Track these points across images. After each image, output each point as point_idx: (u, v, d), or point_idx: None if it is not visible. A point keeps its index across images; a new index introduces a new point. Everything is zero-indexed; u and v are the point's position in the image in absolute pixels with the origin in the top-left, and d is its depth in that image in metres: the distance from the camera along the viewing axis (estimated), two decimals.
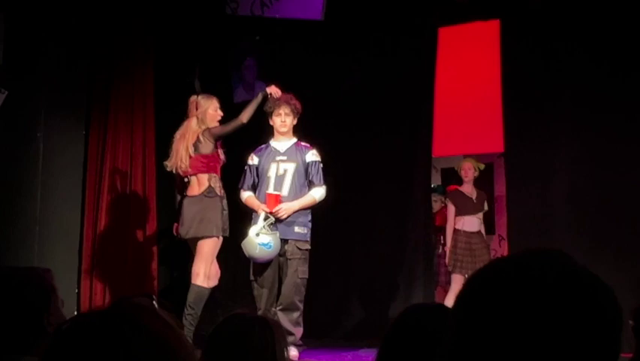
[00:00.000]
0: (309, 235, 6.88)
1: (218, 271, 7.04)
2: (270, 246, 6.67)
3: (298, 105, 6.97)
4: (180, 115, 8.74)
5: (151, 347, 1.31)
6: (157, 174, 8.34)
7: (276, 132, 7.02)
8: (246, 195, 7.04)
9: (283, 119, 6.93)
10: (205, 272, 6.89)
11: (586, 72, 7.41)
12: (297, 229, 6.82)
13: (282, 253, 6.78)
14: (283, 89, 7.05)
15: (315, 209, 6.96)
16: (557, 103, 7.52)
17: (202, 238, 6.87)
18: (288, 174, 6.91)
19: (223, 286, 7.65)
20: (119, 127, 8.17)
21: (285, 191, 6.86)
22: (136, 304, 1.41)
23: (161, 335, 1.33)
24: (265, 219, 6.72)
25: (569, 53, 7.43)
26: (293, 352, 6.46)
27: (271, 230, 6.70)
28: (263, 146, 7.10)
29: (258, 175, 7.02)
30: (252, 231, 6.72)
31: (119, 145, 8.17)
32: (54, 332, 1.36)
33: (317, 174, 6.92)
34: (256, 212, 6.85)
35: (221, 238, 6.91)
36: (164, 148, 8.50)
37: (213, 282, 6.98)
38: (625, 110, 7.26)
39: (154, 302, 1.63)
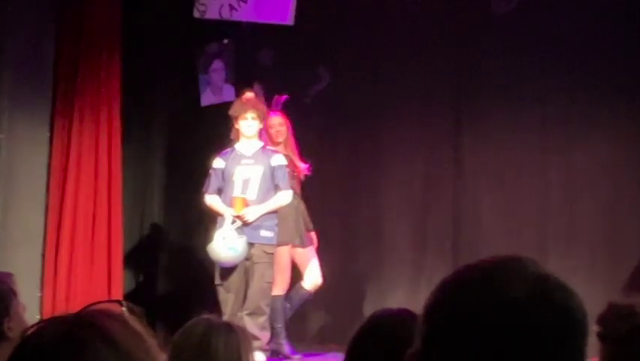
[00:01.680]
0: (275, 238, 6.88)
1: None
2: (237, 250, 6.66)
3: (264, 109, 6.98)
4: (147, 117, 8.74)
5: (115, 356, 1.29)
6: (123, 177, 8.31)
7: (241, 136, 6.99)
8: (211, 199, 7.00)
9: (249, 123, 6.91)
10: (275, 281, 6.98)
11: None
12: (263, 232, 6.80)
13: (248, 257, 6.76)
14: (249, 90, 7.11)
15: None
16: None
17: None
18: (255, 177, 6.89)
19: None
20: (84, 129, 8.10)
21: (251, 195, 6.85)
22: (103, 311, 1.38)
23: (126, 346, 1.30)
24: (232, 222, 6.71)
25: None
26: (259, 357, 6.45)
27: (238, 234, 6.69)
28: (228, 149, 7.06)
29: (223, 179, 6.98)
30: (219, 234, 6.70)
31: (84, 147, 8.09)
32: (20, 338, 1.37)
33: (283, 178, 6.91)
34: (221, 216, 6.83)
35: (282, 247, 7.07)
36: (130, 151, 8.49)
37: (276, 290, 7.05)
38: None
39: (124, 309, 1.61)
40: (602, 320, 3.04)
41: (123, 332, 1.32)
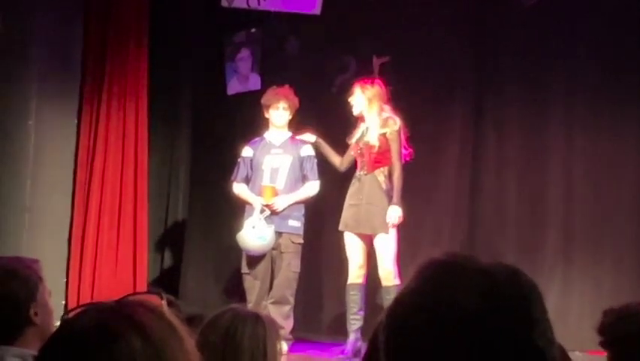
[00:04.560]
0: (302, 229, 6.88)
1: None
2: (266, 239, 6.70)
3: (296, 101, 6.97)
4: (173, 105, 8.75)
5: (147, 349, 1.28)
6: (149, 164, 8.34)
7: (271, 125, 7.01)
8: (239, 188, 7.03)
9: (283, 114, 6.92)
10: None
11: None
12: (291, 222, 6.83)
13: (275, 247, 6.78)
14: (280, 83, 7.05)
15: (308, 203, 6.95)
16: None
17: None
18: (283, 167, 6.92)
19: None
20: (112, 115, 8.13)
21: (279, 184, 6.87)
22: (141, 302, 1.39)
23: (160, 340, 1.31)
24: (261, 211, 6.72)
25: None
26: (283, 346, 6.44)
27: (267, 223, 6.70)
28: (257, 138, 7.09)
29: (252, 168, 7.01)
30: (248, 223, 6.72)
31: (111, 133, 8.13)
32: (61, 321, 1.41)
33: (312, 169, 6.93)
34: (250, 205, 6.85)
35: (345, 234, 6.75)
36: (156, 138, 8.51)
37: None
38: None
39: (163, 301, 1.60)
40: (601, 328, 3.03)
41: (158, 326, 1.33)
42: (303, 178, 6.93)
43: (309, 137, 6.97)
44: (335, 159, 6.92)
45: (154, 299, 1.62)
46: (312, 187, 6.93)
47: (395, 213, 6.50)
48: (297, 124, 7.10)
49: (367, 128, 6.66)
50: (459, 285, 1.24)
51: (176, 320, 1.38)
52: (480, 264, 1.28)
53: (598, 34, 7.37)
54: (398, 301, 1.30)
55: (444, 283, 1.26)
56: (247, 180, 7.02)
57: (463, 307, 1.22)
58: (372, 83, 6.73)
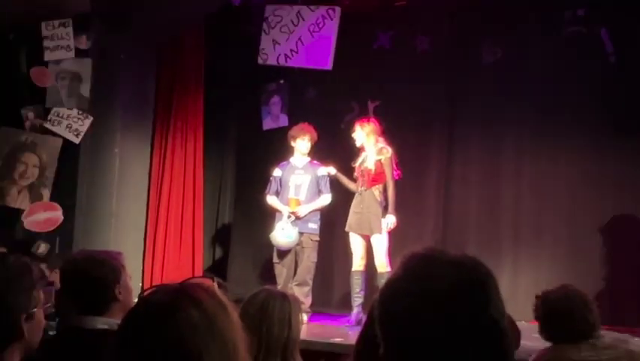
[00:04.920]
0: (318, 229, 6.86)
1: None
2: (292, 237, 6.70)
3: (315, 134, 6.95)
4: (222, 138, 8.72)
5: (203, 320, 1.27)
6: (204, 184, 8.32)
7: (296, 152, 6.98)
8: (271, 200, 7.01)
9: (306, 144, 6.90)
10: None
11: None
12: (310, 225, 6.81)
13: (298, 243, 6.77)
14: (303, 121, 7.05)
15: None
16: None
17: None
18: (304, 184, 6.90)
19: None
20: (176, 146, 8.13)
21: (302, 196, 6.85)
22: (199, 284, 1.37)
23: (213, 313, 1.30)
24: (288, 217, 6.74)
25: None
26: (303, 317, 6.41)
27: (292, 226, 6.71)
28: (285, 162, 7.07)
29: (280, 184, 6.98)
30: (279, 226, 6.75)
31: (176, 158, 8.13)
32: (138, 298, 1.41)
33: (325, 185, 6.90)
34: (280, 212, 6.85)
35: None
36: (209, 164, 8.50)
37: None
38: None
39: (214, 283, 1.59)
40: (534, 308, 3.11)
41: (211, 302, 1.31)
42: (319, 192, 6.91)
43: (331, 170, 6.90)
44: (352, 186, 6.74)
45: (208, 282, 1.61)
46: (325, 199, 6.91)
47: (391, 220, 6.48)
48: (315, 152, 7.07)
49: (366, 156, 6.64)
50: (434, 273, 1.24)
51: (225, 297, 1.37)
52: (450, 256, 1.28)
53: (542, 85, 7.32)
54: (388, 285, 1.29)
55: (423, 271, 1.25)
56: (277, 194, 6.99)
57: (437, 290, 1.21)
58: (369, 121, 6.71)
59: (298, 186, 6.89)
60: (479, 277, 1.26)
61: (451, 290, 1.22)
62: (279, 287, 6.43)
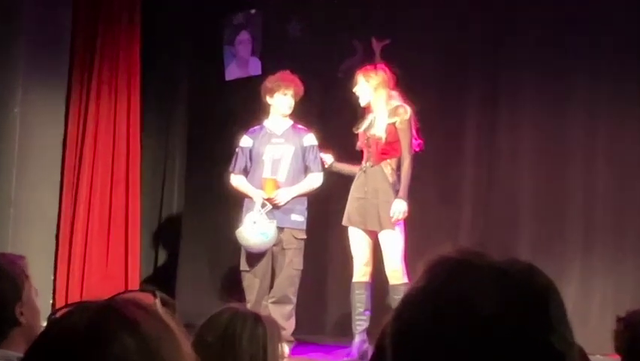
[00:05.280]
0: (305, 223, 6.86)
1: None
2: (268, 235, 6.66)
3: (300, 87, 6.89)
4: (167, 91, 8.74)
5: (141, 350, 1.28)
6: (142, 153, 8.34)
7: (274, 113, 6.94)
8: (237, 180, 6.99)
9: (288, 101, 6.86)
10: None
11: None
12: (294, 217, 6.80)
13: (276, 243, 6.75)
14: (282, 68, 6.98)
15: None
16: None
17: None
18: (285, 158, 6.87)
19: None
20: (102, 102, 8.15)
21: (281, 176, 6.83)
22: (134, 300, 1.37)
23: (155, 340, 1.30)
24: (262, 206, 6.70)
25: None
26: (284, 349, 6.44)
27: (268, 218, 6.68)
28: (256, 127, 7.04)
29: (251, 159, 6.97)
30: (249, 219, 6.70)
31: (101, 121, 8.14)
32: (48, 320, 1.41)
33: (315, 160, 6.89)
34: (250, 198, 6.82)
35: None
36: (148, 126, 8.51)
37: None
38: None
39: (157, 300, 1.59)
40: (614, 334, 3.12)
41: (152, 325, 1.31)
42: (306, 170, 6.90)
43: (328, 158, 6.91)
44: (357, 171, 6.74)
45: (147, 298, 1.61)
46: (315, 179, 6.89)
47: (399, 208, 6.42)
48: (299, 114, 7.04)
49: (374, 119, 6.59)
50: (470, 285, 1.24)
51: (171, 319, 1.37)
52: (492, 261, 1.28)
53: (628, 18, 7.34)
54: (405, 302, 1.29)
55: (454, 283, 1.25)
56: (246, 172, 6.98)
57: (475, 309, 1.21)
58: (376, 69, 6.66)
59: (276, 161, 6.88)
60: (535, 290, 1.26)
61: (495, 312, 1.21)
62: (248, 305, 6.46)
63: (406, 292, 1.33)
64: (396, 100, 6.63)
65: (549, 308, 1.25)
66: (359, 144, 6.73)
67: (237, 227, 6.79)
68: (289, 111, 6.93)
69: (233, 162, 7.03)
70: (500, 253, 1.31)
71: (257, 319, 2.84)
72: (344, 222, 6.69)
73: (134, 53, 8.28)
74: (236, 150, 7.04)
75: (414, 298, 1.28)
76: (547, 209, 7.57)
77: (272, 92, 6.88)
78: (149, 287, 1.84)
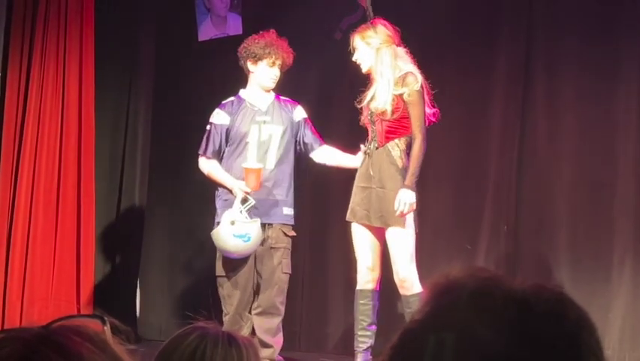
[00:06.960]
0: (293, 218, 6.89)
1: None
2: (249, 238, 6.60)
3: (290, 54, 6.87)
4: (128, 54, 8.73)
5: None
6: (97, 131, 8.30)
7: (256, 85, 6.91)
8: (210, 166, 6.93)
9: (275, 72, 6.84)
10: None
11: None
12: (286, 210, 6.83)
13: (262, 243, 6.72)
14: (267, 29, 6.98)
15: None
16: None
17: None
18: (274, 140, 6.85)
19: None
20: (48, 68, 8.11)
21: (270, 163, 6.80)
22: (77, 329, 1.37)
23: None
24: (243, 201, 6.65)
25: None
26: None
27: (250, 217, 6.62)
28: (232, 99, 6.99)
29: (227, 139, 6.91)
30: (226, 217, 6.63)
31: (46, 92, 8.11)
32: None
33: (313, 134, 6.94)
34: (225, 188, 6.80)
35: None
36: (105, 98, 8.49)
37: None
38: None
39: (106, 328, 1.61)
40: None
41: (99, 360, 1.32)
42: (305, 146, 6.93)
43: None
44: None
45: (94, 324, 1.60)
46: (331, 151, 6.95)
47: (405, 199, 6.35)
48: (285, 87, 7.05)
49: (377, 88, 6.52)
50: (483, 316, 1.24)
51: (124, 351, 1.36)
52: (512, 288, 1.27)
53: None
54: (407, 330, 1.30)
55: (464, 313, 1.25)
56: (220, 156, 6.92)
57: (488, 346, 1.22)
58: (375, 25, 6.59)
59: (263, 143, 6.85)
60: (563, 326, 1.26)
61: (511, 347, 1.22)
62: (225, 319, 6.51)
63: (409, 320, 1.34)
64: (404, 60, 6.57)
65: (580, 348, 1.25)
66: (362, 120, 6.70)
67: (213, 224, 6.79)
68: (273, 85, 6.90)
69: (204, 142, 6.94)
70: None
71: (231, 340, 2.85)
72: (348, 217, 6.65)
73: (87, 6, 8.24)
74: (207, 127, 6.95)
75: (416, 328, 1.29)
76: (589, 208, 7.61)
77: (256, 58, 6.83)
78: (98, 313, 1.83)
